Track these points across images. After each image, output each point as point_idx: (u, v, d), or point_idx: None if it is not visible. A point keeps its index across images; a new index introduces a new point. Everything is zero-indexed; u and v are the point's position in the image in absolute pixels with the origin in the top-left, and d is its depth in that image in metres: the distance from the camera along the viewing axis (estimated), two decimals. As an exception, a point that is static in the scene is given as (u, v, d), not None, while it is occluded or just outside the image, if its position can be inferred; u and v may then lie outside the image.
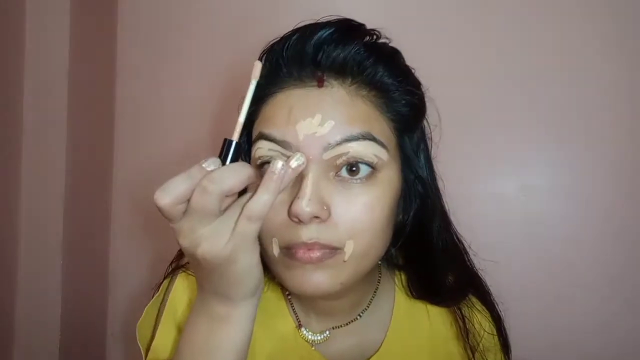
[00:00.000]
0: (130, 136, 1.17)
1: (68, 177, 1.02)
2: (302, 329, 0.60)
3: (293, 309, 0.61)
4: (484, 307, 0.65)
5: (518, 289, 1.04)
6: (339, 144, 0.48)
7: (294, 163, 0.46)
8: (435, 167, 0.60)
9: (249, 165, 0.46)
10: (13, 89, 0.98)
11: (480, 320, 0.63)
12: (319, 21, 0.53)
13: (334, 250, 0.48)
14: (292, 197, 0.48)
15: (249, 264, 0.45)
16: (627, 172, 1.01)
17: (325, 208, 0.48)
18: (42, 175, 1.01)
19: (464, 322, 0.60)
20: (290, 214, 0.48)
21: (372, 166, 0.49)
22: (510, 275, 1.04)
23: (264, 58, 0.55)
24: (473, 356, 0.60)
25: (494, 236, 1.05)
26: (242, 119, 0.47)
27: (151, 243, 1.14)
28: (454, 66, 1.06)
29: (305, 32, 0.52)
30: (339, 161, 0.48)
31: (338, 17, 0.54)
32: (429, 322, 0.62)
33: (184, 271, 0.63)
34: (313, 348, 0.59)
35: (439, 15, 1.06)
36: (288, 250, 0.49)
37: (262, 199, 0.43)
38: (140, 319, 0.65)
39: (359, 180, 0.49)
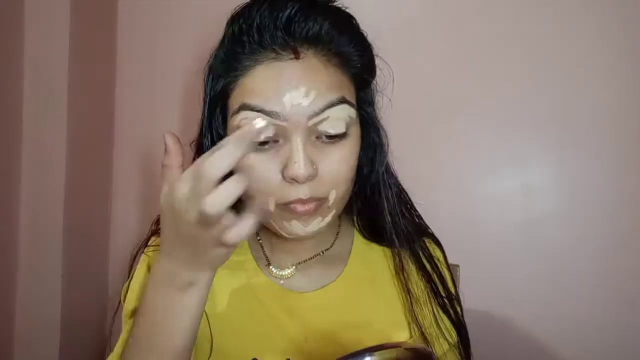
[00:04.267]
0: (130, 136, 1.17)
1: (68, 177, 1.02)
2: (271, 266, 0.68)
3: (263, 251, 0.69)
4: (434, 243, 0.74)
5: (518, 288, 1.04)
6: (322, 110, 0.55)
7: (260, 123, 0.45)
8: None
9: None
10: (13, 89, 0.98)
11: (434, 249, 0.73)
12: None
13: (322, 200, 0.57)
14: (281, 160, 0.55)
15: None
16: (629, 171, 1.00)
17: (314, 167, 0.55)
18: (42, 175, 1.01)
19: (400, 259, 0.68)
20: (286, 176, 0.54)
21: (345, 129, 0.57)
22: (510, 275, 1.04)
23: (231, 30, 0.59)
24: (404, 290, 0.68)
25: (494, 236, 1.05)
26: None
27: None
28: (454, 65, 1.06)
29: (275, 3, 0.56)
30: (320, 127, 0.55)
31: None
32: (386, 260, 0.71)
33: (145, 253, 0.69)
34: (282, 282, 0.67)
35: (439, 13, 1.06)
36: (286, 205, 0.56)
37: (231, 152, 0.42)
38: None
39: (336, 139, 0.57)
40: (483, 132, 1.05)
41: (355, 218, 0.73)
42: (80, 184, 1.05)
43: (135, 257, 0.71)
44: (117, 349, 0.63)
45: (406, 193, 0.72)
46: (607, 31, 1.00)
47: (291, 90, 0.54)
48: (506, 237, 1.04)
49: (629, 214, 1.01)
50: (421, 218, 0.74)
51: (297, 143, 0.54)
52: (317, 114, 0.54)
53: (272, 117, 0.54)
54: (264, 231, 0.69)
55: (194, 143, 0.68)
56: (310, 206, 0.56)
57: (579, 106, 1.02)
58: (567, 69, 1.02)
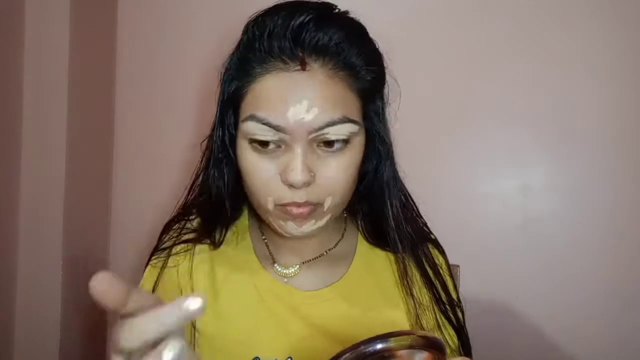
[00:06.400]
0: (130, 137, 1.17)
1: (68, 177, 1.02)
2: (276, 265, 0.69)
3: (268, 250, 0.71)
4: (436, 249, 0.75)
5: (518, 288, 1.04)
6: (322, 128, 0.57)
7: (194, 305, 0.33)
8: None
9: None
10: (13, 89, 0.98)
11: (437, 255, 0.74)
12: (298, 2, 0.59)
13: (317, 205, 0.60)
14: (282, 165, 0.58)
15: None
16: (628, 171, 1.01)
17: (312, 174, 0.57)
18: (42, 175, 1.01)
19: (404, 265, 0.69)
20: (284, 181, 0.58)
21: (345, 141, 0.59)
22: (510, 275, 1.04)
23: (246, 36, 0.60)
24: (408, 295, 0.68)
25: (494, 236, 1.05)
26: None
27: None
28: (454, 65, 1.06)
29: (289, 14, 0.57)
30: (320, 138, 0.58)
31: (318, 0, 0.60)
32: (389, 264, 0.71)
33: (152, 264, 0.71)
34: (285, 280, 0.69)
35: (439, 12, 1.06)
36: (282, 207, 0.59)
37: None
38: None
39: (335, 150, 0.59)
40: (483, 133, 1.05)
41: (359, 222, 0.74)
42: (80, 183, 1.05)
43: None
44: None
45: (412, 200, 0.72)
46: (607, 31, 1.00)
47: (295, 104, 0.56)
48: (506, 237, 1.04)
49: (628, 214, 1.01)
50: (426, 225, 0.75)
51: (297, 153, 0.57)
52: (316, 130, 0.56)
53: (276, 130, 0.57)
54: (269, 231, 0.70)
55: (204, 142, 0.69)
56: (305, 210, 0.59)
57: (578, 106, 1.02)
58: (568, 69, 1.02)
